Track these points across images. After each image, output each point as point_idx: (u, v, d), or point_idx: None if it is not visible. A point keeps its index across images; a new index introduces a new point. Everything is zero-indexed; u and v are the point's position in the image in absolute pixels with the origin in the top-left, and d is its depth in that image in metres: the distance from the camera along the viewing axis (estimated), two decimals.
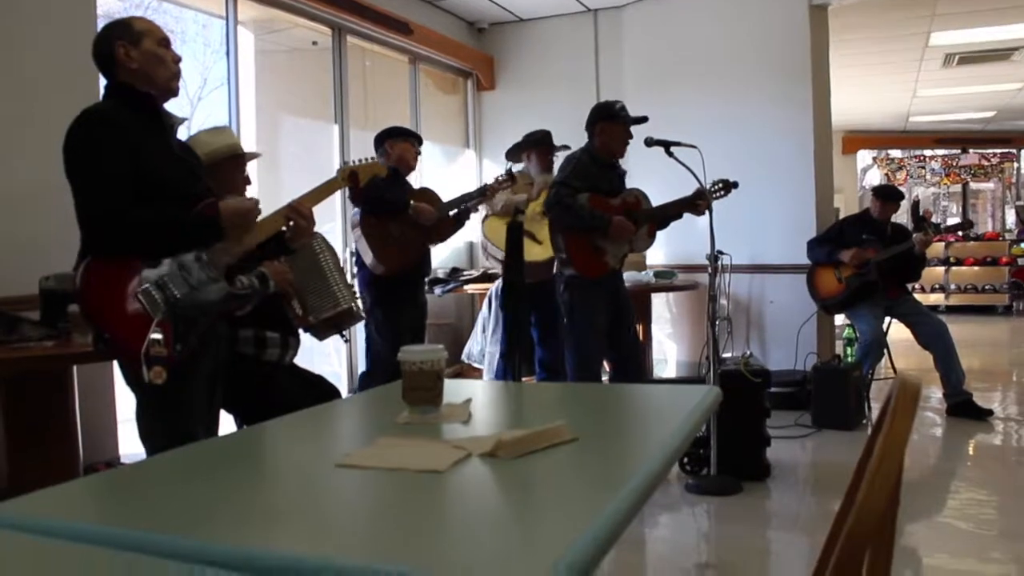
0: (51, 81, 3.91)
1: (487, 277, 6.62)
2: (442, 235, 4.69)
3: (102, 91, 2.60)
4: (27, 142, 3.74)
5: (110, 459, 4.08)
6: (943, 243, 12.54)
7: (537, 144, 5.48)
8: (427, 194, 4.65)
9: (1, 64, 3.74)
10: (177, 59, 2.54)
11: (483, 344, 6.26)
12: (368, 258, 4.37)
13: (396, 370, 1.83)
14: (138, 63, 2.46)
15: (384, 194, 4.33)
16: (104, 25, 2.59)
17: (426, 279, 4.80)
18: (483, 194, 4.78)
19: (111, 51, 2.47)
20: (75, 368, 3.23)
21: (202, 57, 6.21)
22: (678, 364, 7.09)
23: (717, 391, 2.00)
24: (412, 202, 4.43)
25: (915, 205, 12.13)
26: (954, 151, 14.33)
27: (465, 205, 4.73)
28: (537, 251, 5.12)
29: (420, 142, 4.69)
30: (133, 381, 2.41)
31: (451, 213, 4.71)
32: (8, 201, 3.71)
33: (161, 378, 2.26)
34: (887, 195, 5.80)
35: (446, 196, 4.85)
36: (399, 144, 4.59)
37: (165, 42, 2.51)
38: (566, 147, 5.48)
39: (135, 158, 2.35)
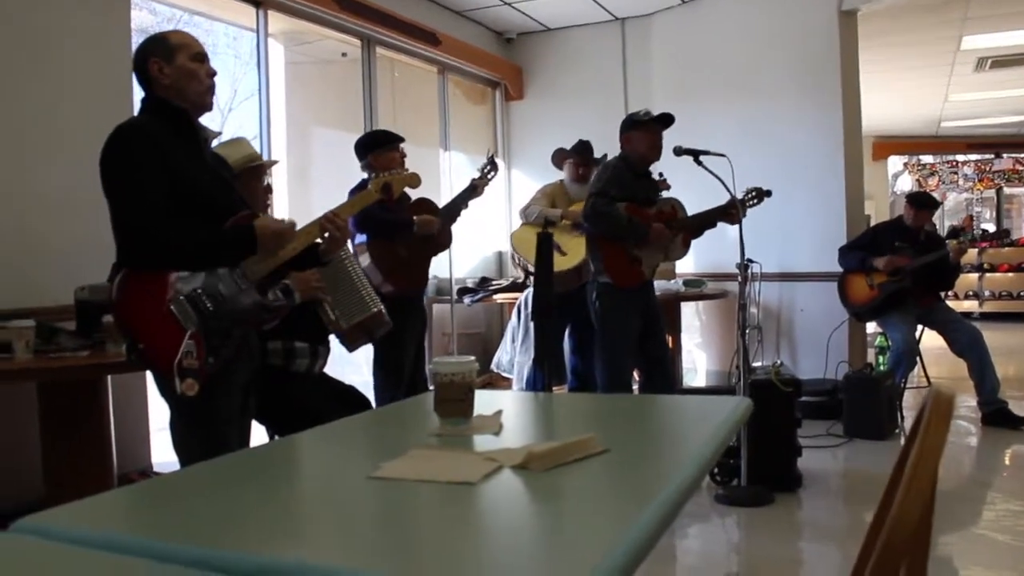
0: (85, 93, 3.98)
1: (516, 286, 6.63)
2: (445, 242, 4.65)
3: (136, 102, 2.64)
4: (61, 154, 3.81)
5: (144, 468, 4.13)
6: (976, 249, 12.38)
7: (573, 154, 5.49)
8: (426, 205, 4.60)
9: (36, 76, 3.81)
10: (212, 73, 2.56)
11: (512, 354, 6.27)
12: (377, 279, 4.30)
13: (404, 383, 1.83)
14: (171, 79, 2.50)
15: (387, 218, 4.22)
16: (143, 40, 2.63)
17: (424, 289, 4.75)
18: (474, 189, 4.73)
19: (146, 67, 2.51)
20: (109, 378, 3.28)
21: (232, 69, 6.30)
22: (708, 373, 7.06)
23: (748, 402, 1.99)
24: (415, 218, 4.38)
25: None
26: (987, 156, 14.15)
27: (459, 205, 4.71)
28: (563, 260, 5.10)
29: (402, 141, 4.48)
30: (167, 392, 2.43)
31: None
32: (43, 213, 3.78)
33: (193, 390, 2.29)
34: (921, 203, 5.74)
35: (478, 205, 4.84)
36: (383, 156, 4.34)
37: (200, 56, 2.54)
38: (605, 157, 5.49)
39: (170, 172, 2.39)
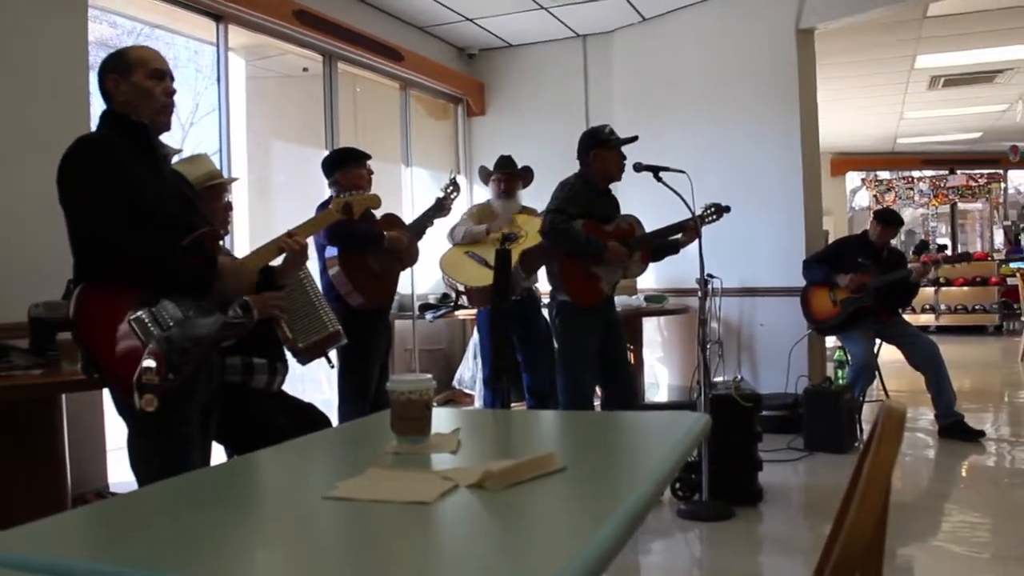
0: (42, 110, 3.92)
1: (456, 303, 6.56)
2: (412, 258, 4.65)
3: (94, 116, 2.61)
4: (17, 171, 3.74)
5: (99, 488, 4.05)
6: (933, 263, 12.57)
7: (495, 170, 5.52)
8: (393, 220, 4.61)
9: None
10: (169, 92, 2.53)
11: (474, 370, 6.26)
12: (346, 289, 4.29)
13: (370, 396, 1.83)
14: (126, 95, 2.48)
15: (356, 231, 4.21)
16: (106, 55, 2.60)
17: (392, 304, 4.74)
18: (441, 207, 4.75)
19: (105, 82, 2.50)
20: (63, 397, 3.22)
21: (193, 83, 6.24)
22: (669, 388, 7.09)
23: (707, 418, 2.00)
24: (386, 233, 4.39)
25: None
26: (942, 172, 14.45)
27: (425, 222, 4.72)
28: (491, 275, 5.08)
29: (369, 158, 4.52)
30: (125, 409, 2.39)
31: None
32: None
33: (152, 406, 2.25)
34: (888, 220, 5.81)
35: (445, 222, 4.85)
36: (351, 172, 4.37)
37: (158, 74, 2.51)
38: (527, 168, 5.51)
39: (129, 187, 2.36)
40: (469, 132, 8.02)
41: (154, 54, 2.55)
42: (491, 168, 5.56)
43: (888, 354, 5.87)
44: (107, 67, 2.51)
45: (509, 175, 5.47)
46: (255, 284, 2.55)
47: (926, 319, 12.63)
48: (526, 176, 5.54)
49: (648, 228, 4.46)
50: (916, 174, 14.58)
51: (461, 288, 5.22)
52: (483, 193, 5.71)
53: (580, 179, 4.38)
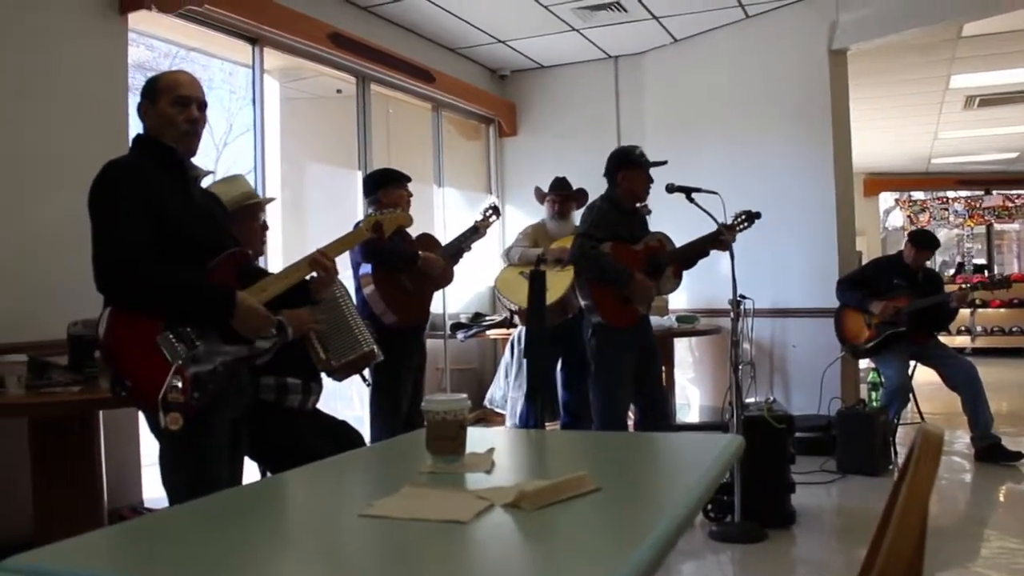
0: (82, 128, 4.01)
1: (509, 322, 6.64)
2: (447, 280, 4.69)
3: (132, 136, 2.67)
4: (57, 188, 3.83)
5: (134, 504, 4.10)
6: (969, 285, 12.39)
7: (550, 192, 5.58)
8: (429, 241, 4.64)
9: (34, 111, 3.84)
10: (192, 119, 2.55)
11: (505, 389, 6.26)
12: (380, 309, 4.33)
13: (402, 414, 1.84)
14: (152, 121, 2.56)
15: (390, 249, 4.25)
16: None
17: (427, 323, 4.78)
18: (475, 231, 4.79)
19: (138, 108, 2.59)
20: (101, 413, 3.26)
21: (228, 104, 6.33)
22: (701, 408, 7.05)
23: (740, 440, 2.00)
24: (420, 253, 4.43)
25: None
26: (977, 192, 14.26)
27: (460, 245, 4.76)
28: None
29: (410, 180, 4.58)
30: (155, 428, 2.43)
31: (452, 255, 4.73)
32: (37, 247, 3.79)
33: (177, 424, 2.28)
34: (923, 242, 5.74)
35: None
36: (392, 193, 4.43)
37: (181, 100, 2.54)
38: (581, 190, 5.55)
39: (156, 210, 2.40)
40: (501, 153, 8.06)
41: (185, 80, 2.59)
42: (546, 189, 5.61)
43: (922, 376, 5.80)
44: (142, 91, 2.59)
45: (564, 196, 5.56)
46: (268, 322, 2.54)
47: (962, 341, 12.44)
48: (580, 197, 5.59)
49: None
50: (951, 194, 14.41)
51: (515, 307, 5.26)
52: (516, 215, 5.76)
53: (607, 201, 4.36)
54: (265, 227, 3.38)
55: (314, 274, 2.74)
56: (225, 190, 3.14)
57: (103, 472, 3.26)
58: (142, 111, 2.58)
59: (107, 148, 3.86)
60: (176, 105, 2.54)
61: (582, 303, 4.41)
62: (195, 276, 2.45)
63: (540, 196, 5.71)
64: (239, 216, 3.13)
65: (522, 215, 5.56)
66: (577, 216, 5.53)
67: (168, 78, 2.60)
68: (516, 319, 5.51)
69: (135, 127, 3.91)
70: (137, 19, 4.39)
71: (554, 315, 5.01)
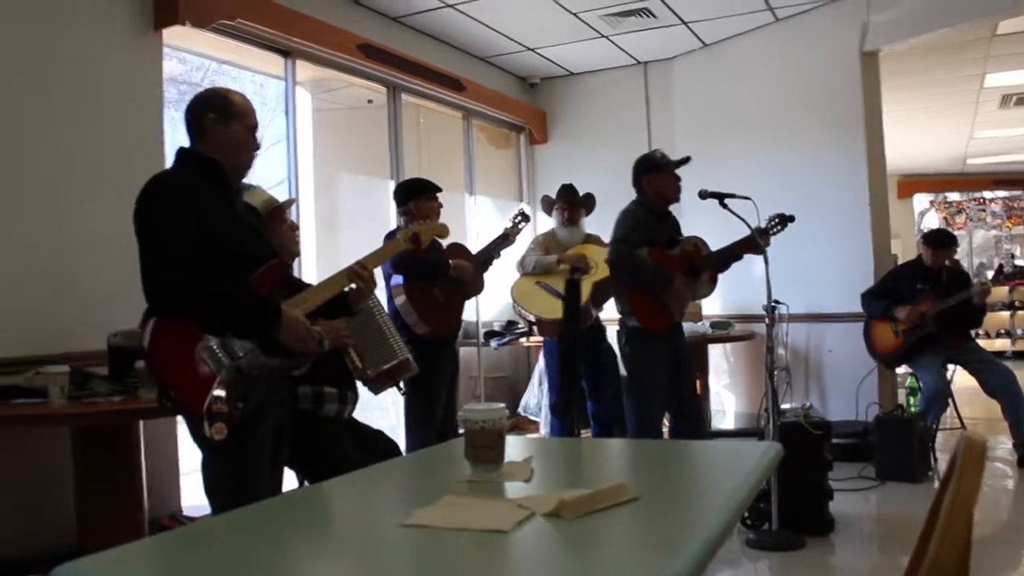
0: (119, 140, 4.07)
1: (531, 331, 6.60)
2: (477, 288, 4.71)
3: (168, 149, 2.70)
4: (95, 200, 3.89)
5: (174, 512, 4.14)
6: (1007, 287, 12.22)
7: (557, 199, 5.56)
8: (460, 250, 4.65)
9: (71, 124, 3.90)
10: (256, 148, 2.63)
11: (539, 397, 6.27)
12: (412, 320, 4.35)
13: (437, 423, 1.85)
14: (221, 139, 2.56)
15: (422, 260, 4.24)
16: (206, 88, 2.69)
17: (459, 332, 4.79)
18: (506, 238, 4.80)
19: (202, 117, 2.57)
20: (141, 423, 3.31)
21: (259, 115, 6.40)
22: (736, 415, 7.01)
23: (778, 447, 1.98)
24: (451, 261, 4.45)
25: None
26: (1015, 192, 14.06)
27: (491, 253, 4.77)
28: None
29: (440, 191, 4.58)
30: (198, 437, 2.46)
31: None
32: (78, 258, 3.85)
33: (222, 434, 2.31)
34: (938, 242, 5.67)
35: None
36: (424, 204, 4.42)
37: (253, 130, 2.61)
38: (588, 195, 5.53)
39: (201, 223, 2.43)
40: (532, 160, 8.07)
41: (252, 109, 2.65)
42: (553, 197, 5.59)
43: (962, 380, 5.72)
44: (210, 103, 2.59)
45: (571, 202, 5.51)
46: (311, 334, 2.57)
47: (1001, 344, 12.25)
48: (588, 203, 5.56)
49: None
50: (988, 195, 14.21)
51: (532, 318, 5.25)
52: (548, 222, 5.74)
53: (639, 206, 4.36)
54: (294, 227, 3.41)
55: (352, 285, 2.76)
56: (248, 200, 3.18)
57: (144, 481, 3.31)
58: (208, 123, 2.56)
59: (144, 160, 3.96)
60: (249, 132, 2.58)
61: (617, 308, 4.41)
62: (243, 291, 2.48)
63: (548, 205, 5.65)
64: (267, 222, 3.18)
65: (552, 223, 5.57)
66: (586, 223, 5.54)
67: (243, 103, 2.63)
68: (535, 329, 5.48)
69: (171, 139, 3.99)
70: (171, 34, 4.45)
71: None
